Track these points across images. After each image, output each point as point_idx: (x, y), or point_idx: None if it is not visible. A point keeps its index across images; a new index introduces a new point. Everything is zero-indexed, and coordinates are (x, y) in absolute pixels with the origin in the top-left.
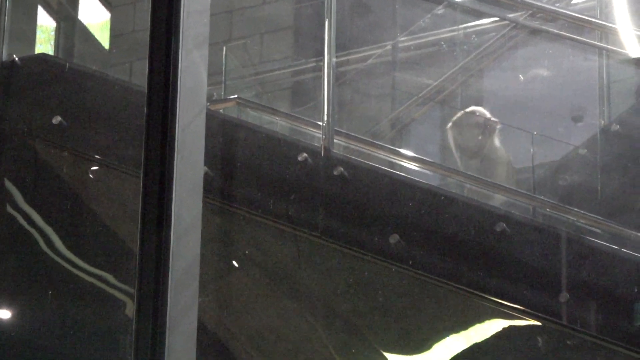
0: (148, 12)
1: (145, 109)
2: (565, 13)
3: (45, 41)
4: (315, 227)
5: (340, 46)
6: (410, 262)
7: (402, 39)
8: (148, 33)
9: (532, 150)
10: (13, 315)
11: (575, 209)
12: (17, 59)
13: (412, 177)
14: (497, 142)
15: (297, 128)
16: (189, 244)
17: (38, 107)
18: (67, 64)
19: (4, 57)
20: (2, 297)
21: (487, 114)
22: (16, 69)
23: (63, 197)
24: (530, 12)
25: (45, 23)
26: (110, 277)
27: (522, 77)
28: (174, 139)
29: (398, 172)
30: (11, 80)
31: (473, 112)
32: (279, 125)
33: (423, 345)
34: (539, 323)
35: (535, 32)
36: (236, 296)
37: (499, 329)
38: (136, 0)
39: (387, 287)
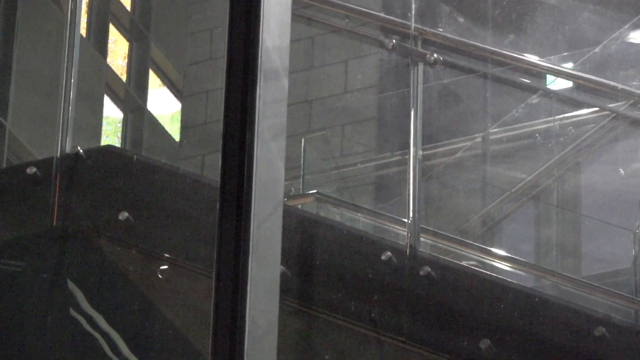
0: (221, 102)
1: (218, 204)
2: None
3: (111, 133)
4: (400, 331)
5: (427, 138)
6: None
7: (493, 130)
8: (220, 124)
9: (634, 250)
10: None
11: None
12: (81, 151)
13: (505, 278)
14: None
15: (381, 225)
16: (264, 350)
17: (103, 202)
18: (135, 156)
19: (68, 149)
20: None
21: None
22: (80, 162)
23: (130, 298)
24: (631, 101)
25: (112, 114)
26: None
27: (622, 172)
28: (249, 237)
29: (489, 273)
30: (75, 173)
31: None
32: (361, 222)
33: None
34: None
35: (637, 122)
36: None
37: None
38: (209, 89)
39: None
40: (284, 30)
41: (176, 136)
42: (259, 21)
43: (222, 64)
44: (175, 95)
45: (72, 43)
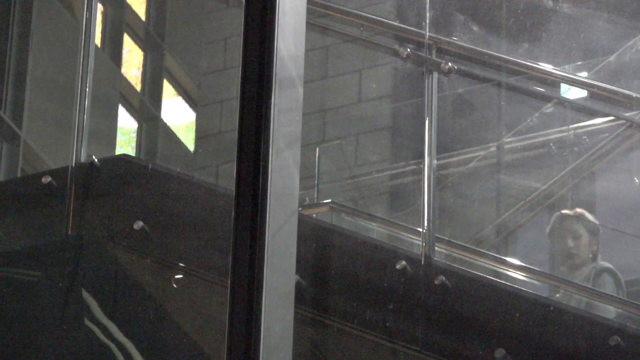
0: (236, 111)
1: (233, 213)
2: None
3: (125, 144)
4: (414, 340)
5: (442, 147)
6: None
7: (507, 139)
8: (235, 134)
9: None
10: None
11: None
12: (96, 160)
13: (519, 287)
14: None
15: (395, 234)
16: (279, 359)
17: (118, 211)
18: (150, 165)
19: (83, 159)
20: None
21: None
22: (95, 171)
23: (144, 308)
24: None
25: (126, 125)
26: None
27: (638, 181)
28: (264, 245)
29: (504, 282)
30: (90, 182)
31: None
32: (375, 231)
33: None
34: None
35: None
36: None
37: None
38: (223, 99)
39: None
40: (299, 39)
41: (190, 146)
42: (274, 30)
43: (237, 73)
44: (190, 105)
45: (87, 52)
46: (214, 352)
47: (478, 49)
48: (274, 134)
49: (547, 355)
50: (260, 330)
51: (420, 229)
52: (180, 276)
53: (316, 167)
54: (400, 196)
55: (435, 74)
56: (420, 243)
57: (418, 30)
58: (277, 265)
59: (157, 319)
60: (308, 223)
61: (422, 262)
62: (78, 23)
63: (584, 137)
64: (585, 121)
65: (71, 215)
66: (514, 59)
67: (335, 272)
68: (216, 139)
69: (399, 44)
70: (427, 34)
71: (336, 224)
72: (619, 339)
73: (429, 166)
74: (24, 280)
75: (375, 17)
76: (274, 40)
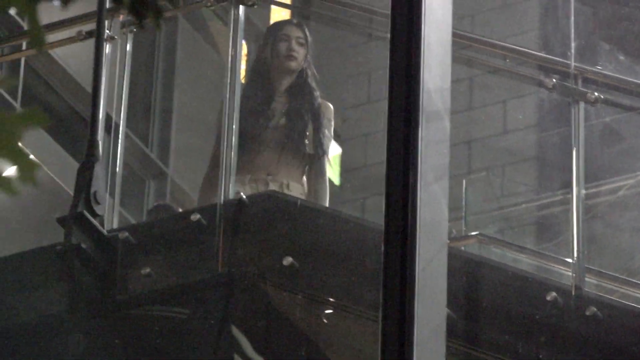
0: (382, 145)
1: (382, 247)
2: None
3: None
4: None
5: (589, 176)
6: None
7: None
8: (380, 167)
9: None
10: None
11: None
12: (244, 196)
13: None
14: None
15: (545, 266)
16: None
17: (267, 247)
18: (299, 202)
19: (231, 195)
20: None
21: None
22: (244, 208)
23: (296, 343)
24: None
25: None
26: None
27: None
28: (414, 279)
29: None
30: (239, 219)
31: None
32: (524, 262)
33: None
34: None
35: None
36: None
37: None
38: (368, 132)
39: None
40: (445, 71)
41: (336, 180)
42: (420, 63)
43: (381, 106)
44: (335, 139)
45: (232, 89)
46: None
47: (624, 77)
48: (422, 167)
49: None
50: None
51: (570, 260)
52: (330, 311)
53: (463, 199)
54: (549, 227)
55: (582, 104)
56: (570, 274)
57: (563, 60)
58: (427, 299)
59: (308, 354)
60: (456, 255)
61: (573, 293)
62: (221, 57)
63: None
64: None
65: (221, 252)
66: None
67: (485, 304)
68: (362, 173)
69: (544, 74)
70: (573, 64)
71: (484, 255)
72: None
73: (578, 196)
74: (175, 318)
75: (519, 47)
76: (419, 73)
